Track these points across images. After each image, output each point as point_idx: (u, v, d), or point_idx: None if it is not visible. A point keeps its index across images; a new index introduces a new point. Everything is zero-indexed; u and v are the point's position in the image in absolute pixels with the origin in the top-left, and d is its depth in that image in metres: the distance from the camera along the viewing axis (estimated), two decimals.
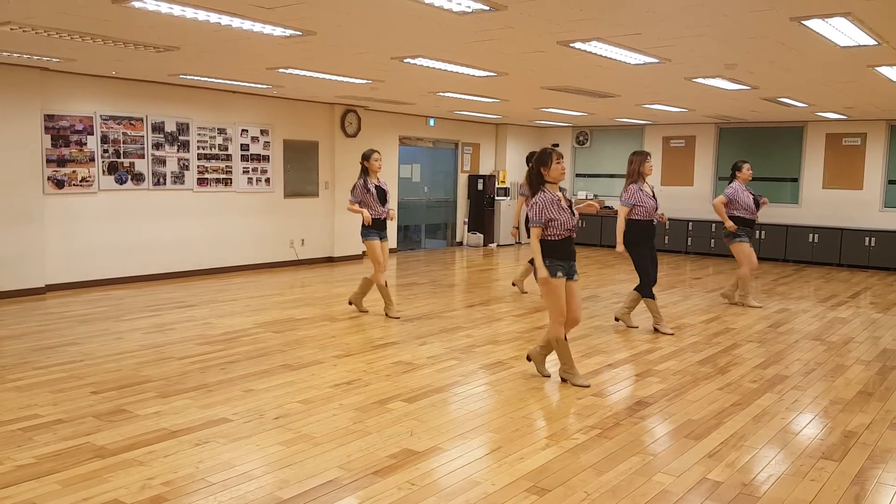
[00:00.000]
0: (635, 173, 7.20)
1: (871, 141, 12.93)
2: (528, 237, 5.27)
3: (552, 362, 5.77)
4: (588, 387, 5.32)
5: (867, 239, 12.65)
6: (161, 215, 9.83)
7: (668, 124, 14.76)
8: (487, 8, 4.87)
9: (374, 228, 7.47)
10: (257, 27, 5.67)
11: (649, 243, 7.19)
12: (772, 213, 13.71)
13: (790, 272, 12.11)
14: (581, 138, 16.16)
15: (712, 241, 13.87)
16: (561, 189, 5.33)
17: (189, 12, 5.20)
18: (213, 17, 5.36)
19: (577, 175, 16.40)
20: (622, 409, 4.86)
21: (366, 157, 7.51)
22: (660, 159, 15.15)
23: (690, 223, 14.28)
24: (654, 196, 7.24)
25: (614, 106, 11.36)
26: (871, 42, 5.73)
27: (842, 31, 5.39)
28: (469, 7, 4.86)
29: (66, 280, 8.93)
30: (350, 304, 7.96)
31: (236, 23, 5.52)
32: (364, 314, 7.78)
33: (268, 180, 11.17)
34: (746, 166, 8.62)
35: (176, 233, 10.01)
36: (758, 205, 8.57)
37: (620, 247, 7.16)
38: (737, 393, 5.26)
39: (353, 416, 4.57)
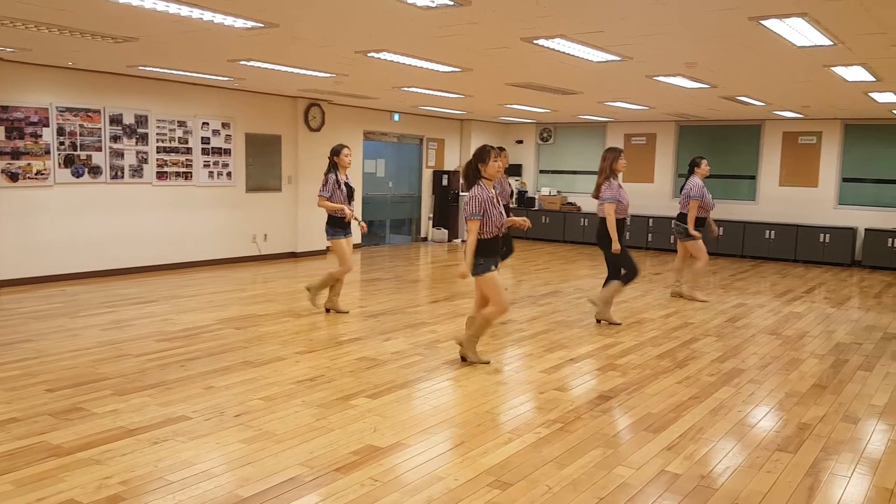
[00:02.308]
0: (608, 169, 7.16)
1: (826, 139, 13.24)
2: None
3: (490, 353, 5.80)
4: (488, 363, 5.75)
5: (822, 235, 12.96)
6: (119, 209, 9.64)
7: (630, 122, 14.92)
8: (452, 3, 4.87)
9: (340, 227, 7.30)
10: (218, 18, 5.58)
11: (622, 239, 7.19)
12: (729, 210, 13.95)
13: (747, 268, 12.35)
14: (545, 135, 16.26)
15: (671, 237, 14.04)
16: (495, 187, 5.58)
17: (148, 2, 5.11)
18: (173, 8, 5.27)
19: (541, 171, 16.52)
20: (583, 403, 4.91)
21: (335, 152, 7.31)
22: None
23: (651, 219, 14.46)
24: None
25: (577, 103, 11.45)
26: (827, 42, 5.86)
27: (799, 32, 5.50)
28: (433, 2, 4.85)
29: (20, 275, 8.71)
30: (328, 311, 7.63)
31: (196, 14, 5.43)
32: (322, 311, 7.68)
33: (229, 174, 11.02)
34: (705, 162, 8.76)
35: (134, 227, 9.83)
36: None
37: (617, 245, 7.03)
38: (695, 386, 5.35)
39: (316, 412, 4.55)
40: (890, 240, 12.41)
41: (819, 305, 8.92)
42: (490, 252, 5.47)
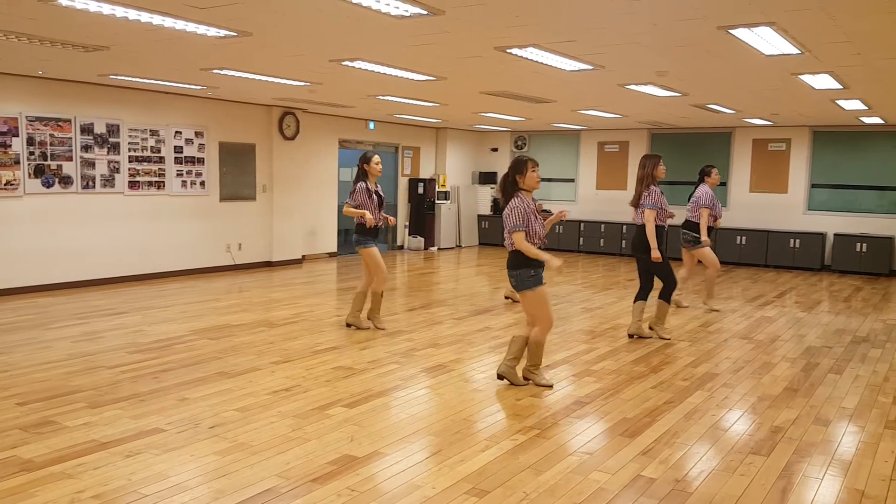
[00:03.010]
0: (649, 177, 6.93)
1: (795, 146, 13.46)
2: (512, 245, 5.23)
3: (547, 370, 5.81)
4: (551, 387, 5.39)
5: (792, 241, 13.16)
6: (90, 220, 9.52)
7: (603, 130, 15.06)
8: (425, 12, 4.89)
9: (370, 236, 6.99)
10: (190, 27, 5.55)
11: (660, 248, 6.95)
12: None
13: (719, 273, 12.47)
14: (519, 143, 16.35)
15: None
16: (534, 199, 5.40)
17: (119, 11, 5.06)
18: (145, 17, 5.23)
19: None
20: (560, 409, 4.93)
21: (366, 159, 6.97)
22: (595, 164, 15.47)
23: (624, 226, 14.59)
24: None
25: (551, 111, 11.54)
26: (795, 51, 5.97)
27: (766, 40, 5.60)
28: (407, 11, 4.87)
29: None
30: (349, 326, 7.27)
31: (168, 22, 5.40)
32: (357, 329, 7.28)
33: (203, 183, 10.93)
34: (715, 171, 8.64)
35: (106, 238, 9.70)
36: None
37: (657, 253, 6.80)
38: (669, 391, 5.40)
39: (292, 423, 4.52)
40: (858, 244, 12.64)
41: (790, 310, 9.05)
42: (538, 263, 5.19)
